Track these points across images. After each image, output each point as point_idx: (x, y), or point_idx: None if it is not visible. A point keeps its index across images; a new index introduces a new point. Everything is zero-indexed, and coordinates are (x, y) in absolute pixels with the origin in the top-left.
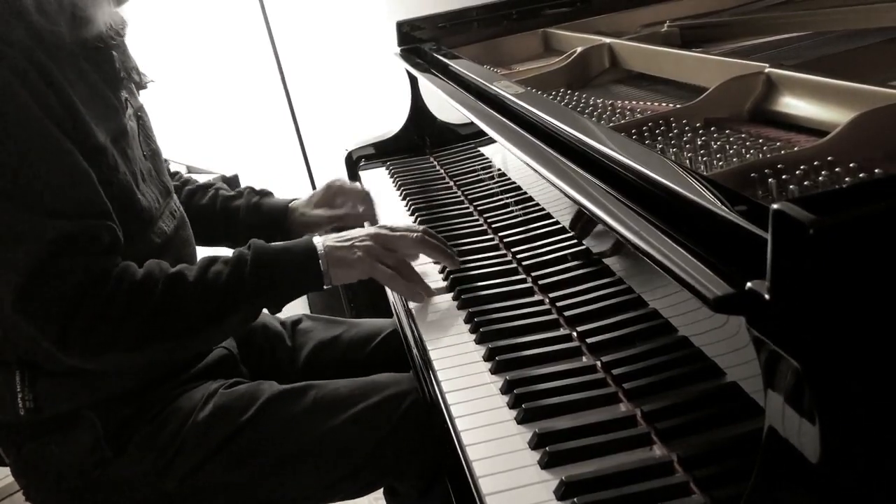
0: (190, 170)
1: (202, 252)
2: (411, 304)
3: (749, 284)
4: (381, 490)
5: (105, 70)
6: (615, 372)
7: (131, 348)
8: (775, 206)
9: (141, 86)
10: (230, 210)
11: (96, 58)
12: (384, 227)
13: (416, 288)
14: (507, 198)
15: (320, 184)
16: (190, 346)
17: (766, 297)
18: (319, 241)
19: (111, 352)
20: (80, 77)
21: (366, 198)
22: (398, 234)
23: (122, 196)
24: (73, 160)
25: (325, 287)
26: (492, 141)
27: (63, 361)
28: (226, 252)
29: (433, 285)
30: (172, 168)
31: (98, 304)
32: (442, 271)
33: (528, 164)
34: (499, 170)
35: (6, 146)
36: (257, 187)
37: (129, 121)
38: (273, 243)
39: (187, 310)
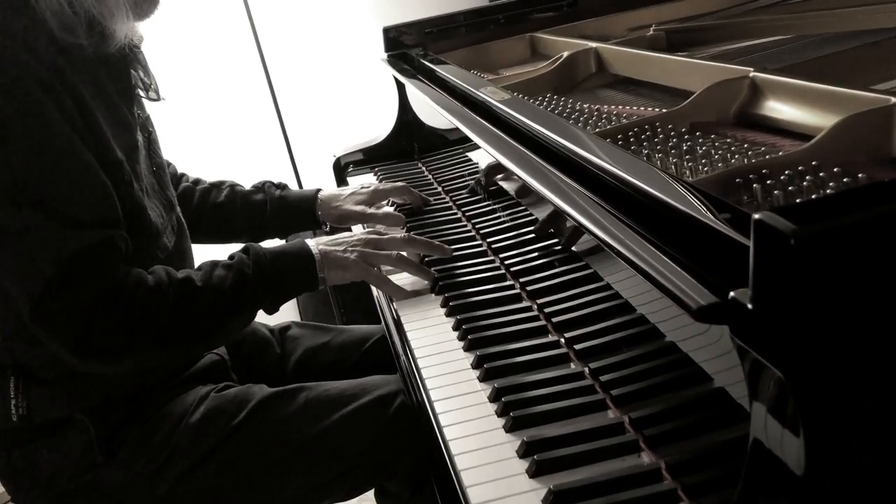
0: None
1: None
2: (399, 311)
3: (732, 294)
4: (372, 491)
5: (121, 84)
6: (603, 378)
7: (145, 353)
8: (757, 215)
9: (156, 100)
10: (253, 205)
11: (113, 72)
12: (373, 231)
13: (402, 289)
14: (495, 203)
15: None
16: (198, 348)
17: (749, 306)
18: (313, 243)
19: (126, 357)
20: (99, 91)
21: (406, 189)
22: (387, 237)
23: (133, 211)
24: (96, 173)
25: (319, 288)
26: (479, 146)
27: (74, 366)
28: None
29: (422, 292)
30: (178, 172)
31: (116, 312)
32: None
33: (513, 172)
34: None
35: (33, 157)
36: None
37: (139, 135)
38: (269, 247)
39: (198, 314)
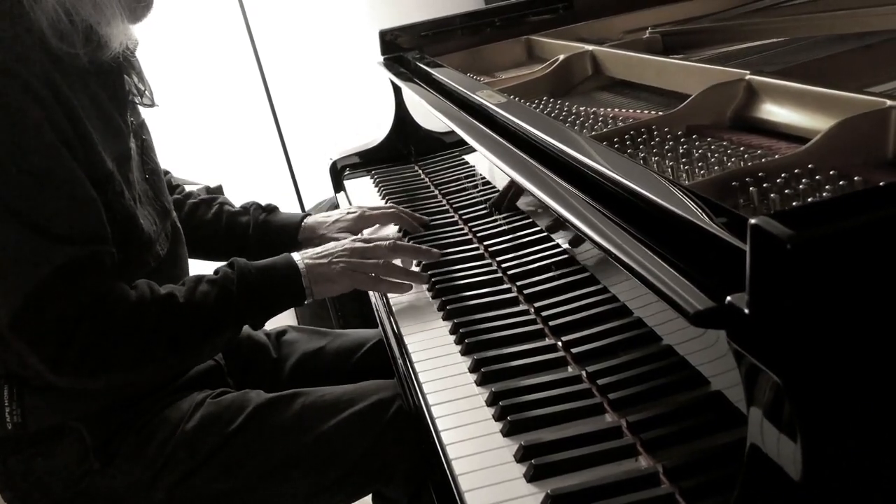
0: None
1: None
2: (397, 315)
3: (729, 298)
4: (369, 496)
5: (114, 91)
6: (600, 382)
7: (124, 370)
8: (753, 220)
9: (150, 105)
10: (237, 226)
11: (107, 79)
12: (358, 239)
13: (399, 283)
14: (492, 207)
15: (306, 193)
16: (179, 364)
17: (746, 311)
18: (299, 257)
19: (103, 374)
20: (91, 100)
21: (395, 215)
22: (372, 244)
23: (124, 221)
24: (83, 187)
25: (305, 302)
26: (475, 149)
27: (50, 380)
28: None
29: (419, 296)
30: (174, 181)
31: (94, 329)
32: (428, 281)
33: (509, 175)
34: (483, 178)
35: (21, 171)
36: (262, 202)
37: (132, 142)
38: (255, 262)
39: (179, 331)
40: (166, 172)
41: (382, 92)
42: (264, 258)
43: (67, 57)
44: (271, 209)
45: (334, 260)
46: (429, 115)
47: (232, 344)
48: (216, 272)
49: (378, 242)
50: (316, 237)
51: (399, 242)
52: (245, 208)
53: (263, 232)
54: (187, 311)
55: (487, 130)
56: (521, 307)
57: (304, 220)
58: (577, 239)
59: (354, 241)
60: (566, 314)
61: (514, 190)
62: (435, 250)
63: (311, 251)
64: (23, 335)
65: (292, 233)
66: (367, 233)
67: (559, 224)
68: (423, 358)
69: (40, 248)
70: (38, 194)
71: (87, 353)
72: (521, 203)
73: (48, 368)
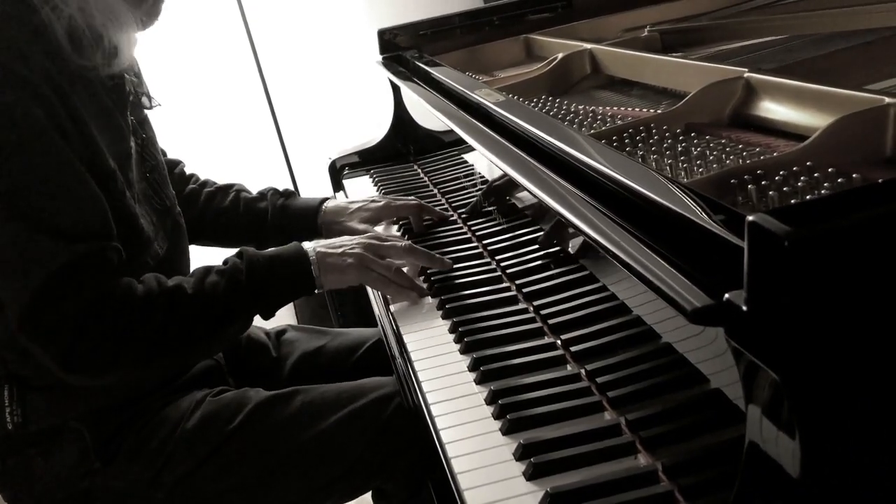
0: None
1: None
2: (395, 314)
3: (727, 296)
4: (369, 494)
5: (117, 93)
6: (599, 380)
7: (135, 365)
8: (750, 217)
9: (149, 108)
10: (255, 212)
11: (110, 82)
12: (374, 236)
13: (407, 290)
14: (491, 205)
15: (305, 193)
16: (191, 357)
17: (744, 308)
18: (310, 246)
19: (115, 370)
20: (95, 102)
21: (420, 207)
22: (388, 243)
23: (125, 219)
24: (88, 185)
25: (315, 292)
26: (474, 148)
27: (63, 378)
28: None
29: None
30: (188, 171)
31: (103, 324)
32: (426, 280)
33: (508, 174)
34: (482, 177)
35: (24, 169)
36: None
37: (132, 141)
38: (264, 251)
39: (189, 323)
40: (178, 163)
41: (381, 91)
42: (284, 243)
43: (78, 67)
44: (289, 194)
45: (347, 251)
46: (428, 114)
47: (240, 338)
48: (225, 262)
49: (394, 242)
50: (336, 223)
51: (415, 246)
52: (262, 194)
53: (282, 217)
54: (196, 302)
55: (486, 129)
56: (520, 305)
57: (325, 204)
58: (576, 237)
59: (370, 237)
60: (565, 312)
61: (500, 181)
62: (448, 260)
63: (324, 241)
64: (32, 334)
65: (311, 217)
66: (380, 230)
67: (559, 223)
68: (423, 357)
69: (46, 246)
70: (43, 193)
71: (97, 350)
72: (519, 202)
73: (59, 366)
